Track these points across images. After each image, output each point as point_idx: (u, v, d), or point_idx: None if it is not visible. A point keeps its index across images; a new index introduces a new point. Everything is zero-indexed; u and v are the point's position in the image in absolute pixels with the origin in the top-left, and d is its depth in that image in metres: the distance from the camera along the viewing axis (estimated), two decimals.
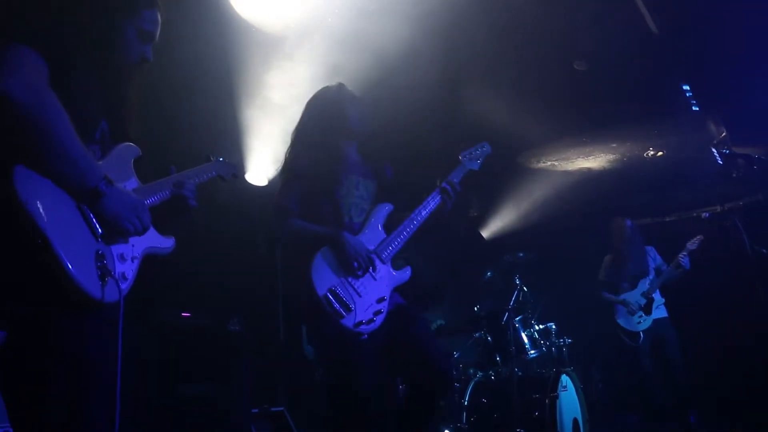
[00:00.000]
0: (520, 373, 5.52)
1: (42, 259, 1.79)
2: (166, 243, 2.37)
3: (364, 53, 4.92)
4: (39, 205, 1.80)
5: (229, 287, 5.93)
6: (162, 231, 2.36)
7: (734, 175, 5.51)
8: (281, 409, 5.51)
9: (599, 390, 7.20)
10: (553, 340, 6.11)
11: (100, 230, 2.00)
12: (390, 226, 3.49)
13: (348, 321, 3.14)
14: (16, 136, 1.82)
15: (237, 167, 3.06)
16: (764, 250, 5.49)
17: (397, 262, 3.48)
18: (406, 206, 3.55)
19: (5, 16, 2.03)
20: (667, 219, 6.81)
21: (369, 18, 4.72)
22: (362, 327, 3.18)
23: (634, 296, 6.60)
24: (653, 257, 6.87)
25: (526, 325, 6.04)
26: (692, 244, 6.56)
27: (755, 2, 5.07)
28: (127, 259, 2.12)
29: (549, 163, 7.81)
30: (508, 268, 6.54)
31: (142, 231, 2.13)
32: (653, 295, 6.58)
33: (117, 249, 2.08)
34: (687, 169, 7.50)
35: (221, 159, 2.94)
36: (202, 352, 5.31)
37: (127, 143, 2.30)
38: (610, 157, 7.68)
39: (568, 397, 5.42)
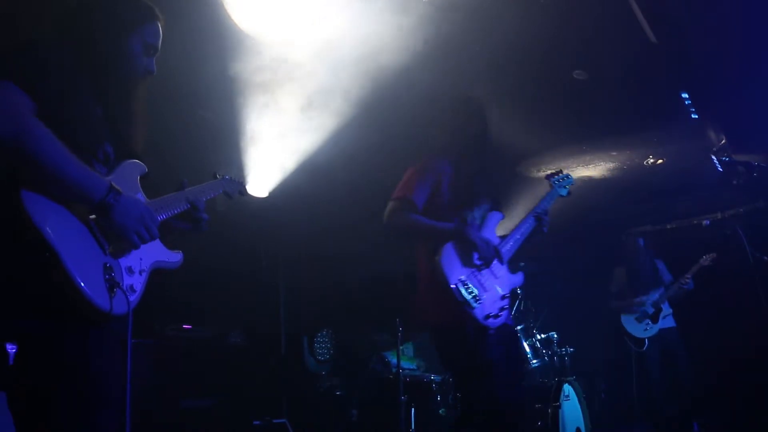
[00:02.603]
0: (522, 383, 5.50)
1: (51, 273, 1.80)
2: (174, 257, 2.39)
3: (366, 63, 4.93)
4: (46, 222, 1.82)
5: (230, 300, 5.92)
6: (168, 244, 2.37)
7: (734, 182, 5.50)
8: (283, 420, 5.50)
9: (602, 399, 7.18)
10: (555, 349, 6.09)
11: (107, 243, 2.01)
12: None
13: (478, 312, 3.22)
14: (12, 164, 1.86)
15: (243, 185, 3.08)
16: (765, 258, 5.48)
17: (512, 266, 3.61)
18: None
19: None
20: (668, 227, 6.79)
21: (371, 29, 4.73)
22: (490, 321, 3.25)
23: (643, 305, 6.64)
24: (662, 271, 6.90)
25: (528, 335, 6.02)
26: (705, 260, 6.57)
27: (753, 10, 5.08)
28: (135, 272, 2.14)
29: (549, 172, 7.80)
30: None
31: (149, 240, 2.13)
32: (661, 305, 6.63)
33: (125, 262, 2.10)
34: (687, 177, 7.50)
35: (228, 177, 2.95)
36: (204, 365, 5.30)
37: (133, 160, 2.30)
38: (610, 165, 7.68)
39: (571, 407, 5.40)
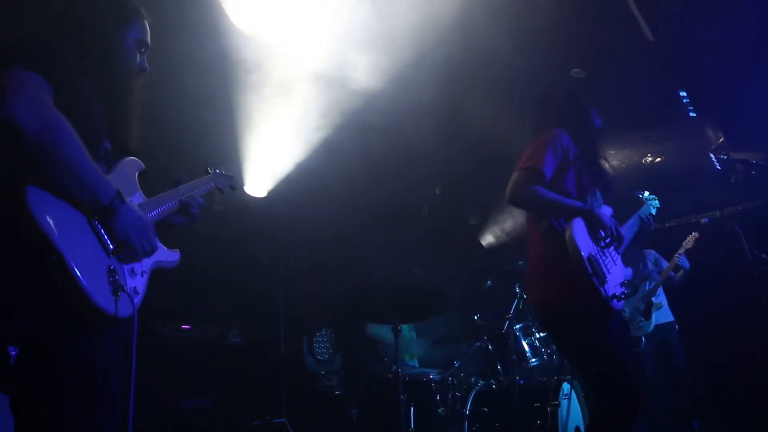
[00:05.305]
0: (521, 382, 5.49)
1: (57, 276, 1.78)
2: (173, 257, 2.39)
3: (361, 65, 4.93)
4: (52, 223, 1.80)
5: (229, 300, 5.93)
6: (166, 243, 2.37)
7: (732, 180, 5.53)
8: (283, 420, 5.49)
9: None
10: (555, 348, 6.08)
11: (111, 245, 2.00)
12: None
13: (605, 291, 3.11)
14: (25, 159, 1.82)
15: (234, 179, 3.08)
16: (764, 255, 5.49)
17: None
18: None
19: (6, 41, 2.03)
20: (667, 225, 6.80)
21: (367, 30, 4.73)
22: (614, 302, 3.15)
23: (633, 302, 6.56)
24: (652, 260, 6.83)
25: (527, 334, 6.01)
26: (688, 242, 6.51)
27: (751, 8, 5.09)
28: (137, 273, 2.13)
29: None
30: (508, 277, 6.52)
31: (150, 252, 2.13)
32: (653, 298, 6.49)
33: (128, 264, 2.09)
34: (685, 175, 7.51)
35: (219, 171, 2.96)
36: (203, 365, 5.30)
37: (132, 158, 2.31)
38: (608, 163, 7.68)
39: (571, 406, 5.39)
